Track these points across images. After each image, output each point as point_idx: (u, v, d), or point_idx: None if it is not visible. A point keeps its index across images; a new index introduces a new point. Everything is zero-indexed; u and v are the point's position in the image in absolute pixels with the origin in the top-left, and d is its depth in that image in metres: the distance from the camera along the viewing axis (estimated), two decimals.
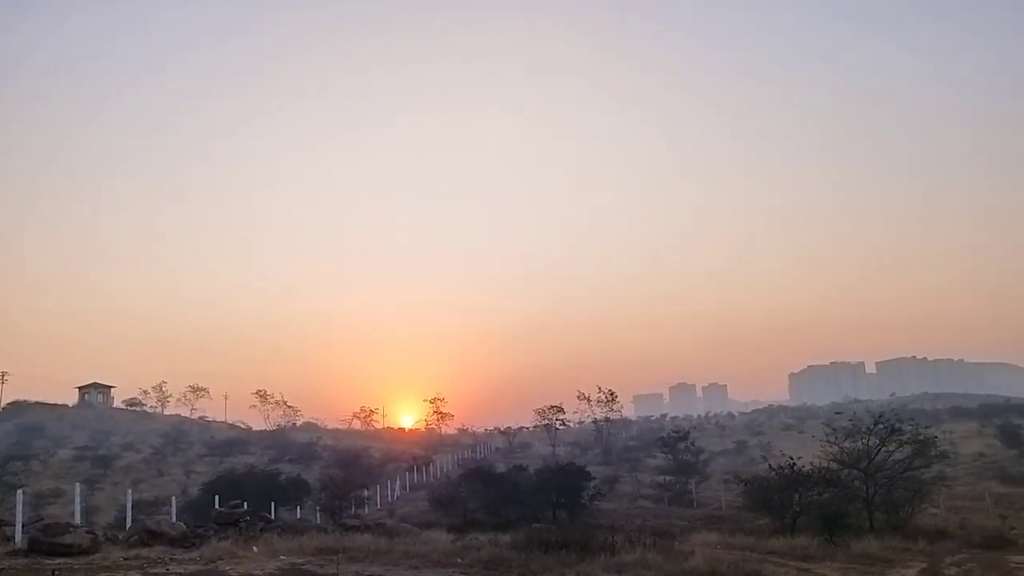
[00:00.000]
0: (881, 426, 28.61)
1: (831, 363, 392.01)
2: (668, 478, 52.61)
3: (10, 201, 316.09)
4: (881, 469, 28.35)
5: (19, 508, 18.00)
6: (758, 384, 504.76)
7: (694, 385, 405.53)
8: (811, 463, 28.68)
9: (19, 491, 19.49)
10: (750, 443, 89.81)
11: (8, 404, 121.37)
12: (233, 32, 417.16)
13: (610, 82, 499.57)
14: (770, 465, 29.05)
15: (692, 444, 62.45)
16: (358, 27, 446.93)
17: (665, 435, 67.35)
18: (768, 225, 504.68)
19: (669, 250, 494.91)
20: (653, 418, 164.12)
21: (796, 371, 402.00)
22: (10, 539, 17.38)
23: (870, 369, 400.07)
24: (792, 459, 27.91)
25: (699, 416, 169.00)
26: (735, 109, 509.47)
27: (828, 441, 29.90)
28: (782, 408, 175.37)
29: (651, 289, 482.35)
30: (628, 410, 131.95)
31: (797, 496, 26.75)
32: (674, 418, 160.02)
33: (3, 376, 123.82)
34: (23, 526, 17.63)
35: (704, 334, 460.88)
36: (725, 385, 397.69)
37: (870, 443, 28.65)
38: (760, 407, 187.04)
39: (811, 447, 33.59)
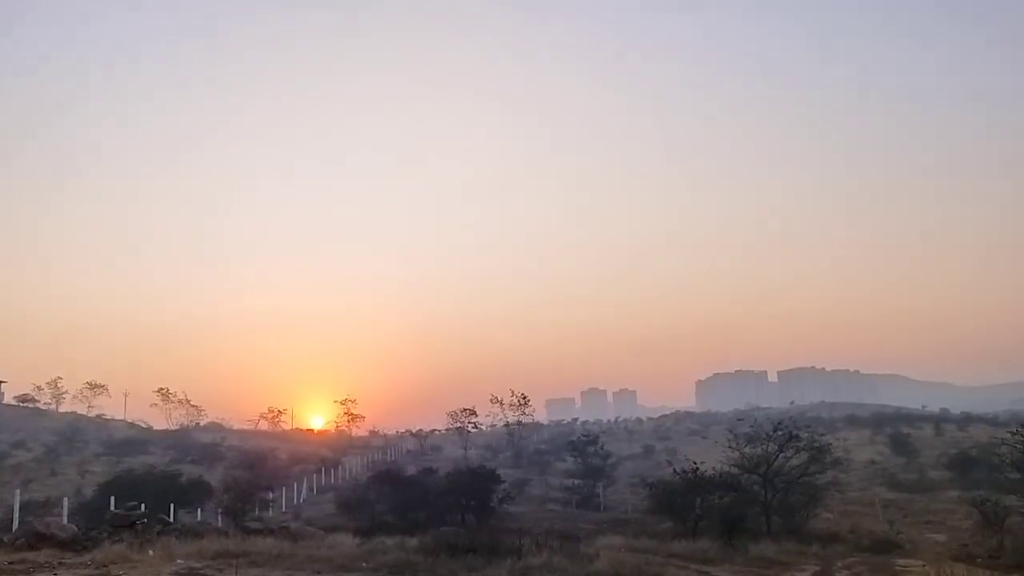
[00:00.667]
0: (780, 433, 29.71)
1: (736, 371, 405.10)
2: (577, 482, 53.24)
3: None
4: (779, 474, 29.41)
5: None
6: (666, 390, 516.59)
7: (605, 390, 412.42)
8: (714, 468, 29.54)
9: None
10: (657, 448, 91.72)
11: None
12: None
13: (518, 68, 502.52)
14: (675, 469, 29.74)
15: (601, 448, 63.40)
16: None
17: (575, 439, 68.16)
18: (678, 235, 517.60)
19: (584, 254, 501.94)
20: (565, 422, 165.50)
21: (703, 378, 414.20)
22: None
23: (772, 378, 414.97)
24: (696, 464, 28.69)
25: (609, 421, 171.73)
26: (660, 114, 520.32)
27: (731, 447, 30.81)
28: (688, 414, 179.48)
29: (565, 293, 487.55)
30: (540, 414, 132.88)
31: (699, 500, 27.48)
32: (585, 422, 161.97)
33: None
34: None
35: (615, 341, 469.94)
36: (635, 391, 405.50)
37: (769, 449, 29.70)
38: (667, 412, 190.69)
39: (715, 452, 34.59)
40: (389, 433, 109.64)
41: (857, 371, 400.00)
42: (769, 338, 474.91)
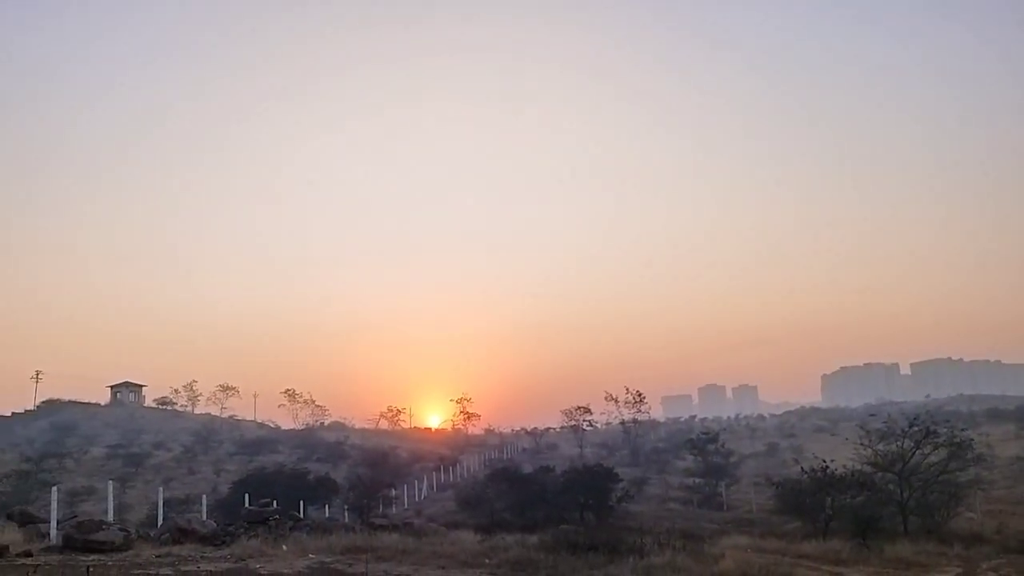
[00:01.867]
0: (916, 428, 28.17)
1: (864, 364, 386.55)
2: (697, 480, 52.22)
3: (40, 201, 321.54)
4: (916, 472, 27.87)
5: (54, 505, 18.27)
6: (789, 385, 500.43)
7: (724, 386, 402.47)
8: (844, 466, 28.31)
9: (54, 489, 19.78)
10: (781, 445, 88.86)
11: (42, 403, 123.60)
12: (240, 28, 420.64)
13: (637, 82, 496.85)
14: (802, 468, 28.74)
15: (722, 446, 61.89)
16: (374, 25, 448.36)
17: (694, 437, 66.79)
18: (799, 224, 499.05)
19: (700, 249, 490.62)
20: (682, 419, 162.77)
21: (828, 372, 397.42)
22: (45, 536, 17.65)
23: (904, 370, 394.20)
24: (825, 462, 27.59)
25: (729, 418, 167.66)
26: (757, 110, 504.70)
27: (861, 444, 29.49)
28: (814, 410, 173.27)
29: (681, 288, 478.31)
30: (656, 411, 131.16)
31: (830, 499, 26.43)
32: (703, 419, 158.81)
33: (37, 375, 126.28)
34: (58, 523, 17.90)
35: (735, 335, 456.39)
36: (755, 386, 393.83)
37: (905, 446, 28.22)
38: (791, 409, 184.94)
39: (844, 450, 33.12)
40: (504, 431, 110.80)
41: (999, 361, 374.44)
42: (900, 328, 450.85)
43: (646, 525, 25.64)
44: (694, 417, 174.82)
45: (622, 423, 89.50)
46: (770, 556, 18.04)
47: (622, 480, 40.19)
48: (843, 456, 31.03)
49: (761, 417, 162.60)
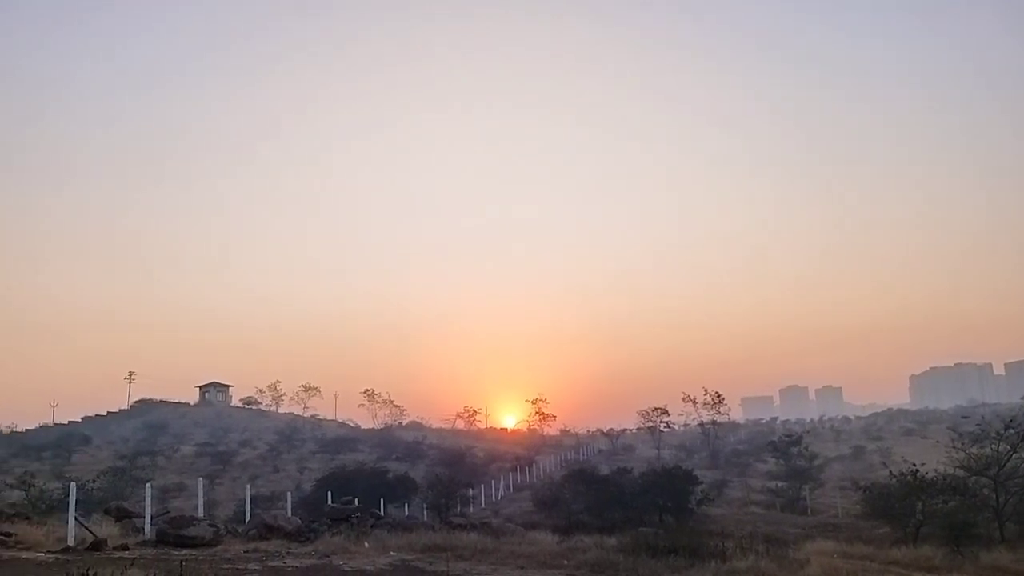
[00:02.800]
0: (1012, 431, 26.97)
1: (955, 364, 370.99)
2: (780, 484, 51.07)
3: (134, 210, 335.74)
4: (1013, 477, 26.69)
5: (148, 501, 19.04)
6: (876, 386, 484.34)
7: (807, 387, 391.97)
8: (935, 470, 27.31)
9: (147, 485, 20.61)
10: (868, 448, 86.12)
11: (135, 402, 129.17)
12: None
13: (718, 81, 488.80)
14: (890, 471, 27.88)
15: (805, 449, 60.33)
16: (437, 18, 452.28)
17: (776, 439, 65.33)
18: (887, 220, 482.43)
19: (781, 245, 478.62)
20: (763, 421, 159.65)
21: (917, 373, 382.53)
22: (140, 530, 18.41)
23: (998, 370, 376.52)
24: (915, 465, 26.65)
25: (812, 420, 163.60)
26: (837, 106, 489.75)
27: (953, 447, 28.44)
28: (902, 412, 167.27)
29: (761, 287, 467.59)
30: (736, 413, 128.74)
31: (920, 504, 25.53)
32: (785, 421, 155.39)
33: (131, 376, 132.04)
34: (151, 518, 18.65)
35: (819, 334, 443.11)
36: (840, 387, 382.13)
37: (1000, 449, 27.06)
38: (878, 410, 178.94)
39: (935, 453, 32.00)
40: (580, 432, 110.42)
41: None
42: (993, 327, 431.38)
43: (727, 529, 25.14)
44: (775, 419, 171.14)
45: (700, 425, 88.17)
46: (857, 562, 17.49)
47: (702, 483, 39.59)
48: (934, 459, 29.94)
49: (846, 419, 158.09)
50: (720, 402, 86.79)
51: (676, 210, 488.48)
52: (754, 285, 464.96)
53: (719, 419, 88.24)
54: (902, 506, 26.29)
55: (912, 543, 22.46)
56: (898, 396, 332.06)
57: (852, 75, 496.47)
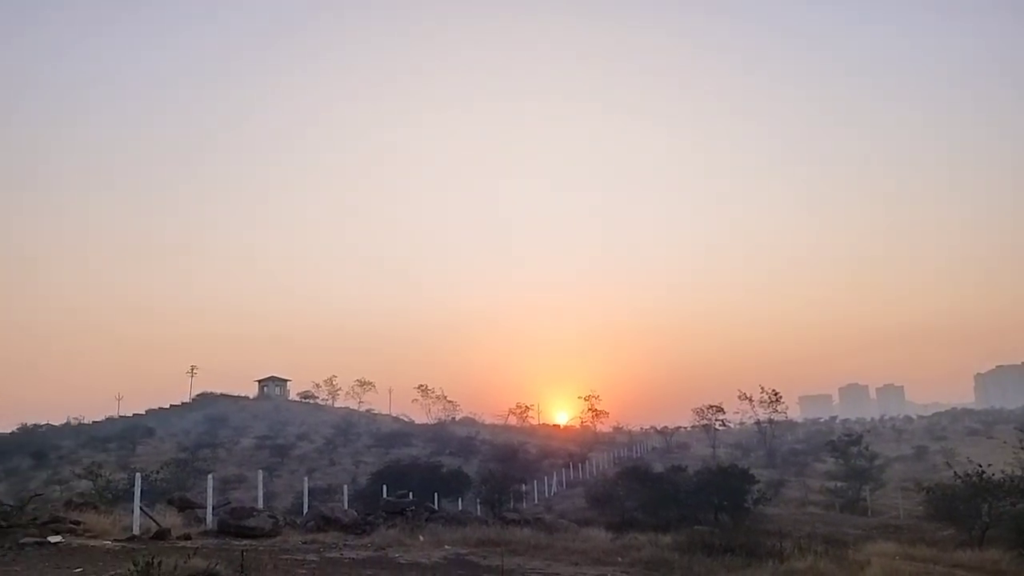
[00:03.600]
0: None
1: None
2: (839, 484, 50.12)
3: (193, 206, 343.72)
4: None
5: (209, 492, 19.50)
6: (939, 385, 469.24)
7: (867, 386, 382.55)
8: (1002, 471, 26.48)
9: (209, 476, 21.11)
10: (931, 449, 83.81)
11: (197, 395, 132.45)
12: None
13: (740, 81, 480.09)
14: (955, 472, 27.08)
15: (865, 448, 59.00)
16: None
17: (835, 438, 64.03)
18: (953, 215, 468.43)
19: (842, 240, 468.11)
20: (821, 420, 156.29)
21: (983, 371, 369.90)
22: (201, 520, 18.86)
23: None
24: (980, 466, 25.86)
25: (872, 419, 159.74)
26: (899, 104, 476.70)
27: (1022, 447, 27.53)
28: (967, 411, 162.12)
29: (821, 283, 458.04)
30: (794, 411, 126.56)
31: (987, 506, 24.78)
32: (845, 421, 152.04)
33: (192, 370, 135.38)
34: (213, 509, 19.09)
35: (880, 332, 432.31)
36: (902, 386, 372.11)
37: None
38: (942, 410, 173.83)
39: (1001, 453, 31.09)
40: (633, 429, 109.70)
41: None
42: None
43: (784, 529, 24.70)
44: (834, 418, 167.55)
45: (757, 423, 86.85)
46: (920, 564, 17.05)
47: (758, 482, 39.01)
48: (1001, 461, 29.13)
49: (908, 419, 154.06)
50: (777, 400, 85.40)
51: (734, 204, 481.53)
52: (814, 282, 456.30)
53: (776, 418, 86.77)
54: (967, 508, 25.58)
55: (978, 546, 21.80)
56: (963, 395, 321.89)
57: (901, 74, 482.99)
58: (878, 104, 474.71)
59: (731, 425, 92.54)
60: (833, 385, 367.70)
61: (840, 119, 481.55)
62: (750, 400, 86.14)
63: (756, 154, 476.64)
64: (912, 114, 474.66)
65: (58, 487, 48.65)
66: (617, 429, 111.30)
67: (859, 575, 14.45)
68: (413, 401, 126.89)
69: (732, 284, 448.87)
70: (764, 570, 14.27)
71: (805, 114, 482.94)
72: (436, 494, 34.36)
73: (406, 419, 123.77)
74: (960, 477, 26.27)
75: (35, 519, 15.11)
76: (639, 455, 78.88)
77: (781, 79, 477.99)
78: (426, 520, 21.76)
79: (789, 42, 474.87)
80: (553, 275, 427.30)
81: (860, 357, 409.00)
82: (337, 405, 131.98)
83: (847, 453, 57.33)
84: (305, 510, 24.96)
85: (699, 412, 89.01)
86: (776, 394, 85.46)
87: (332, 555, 13.87)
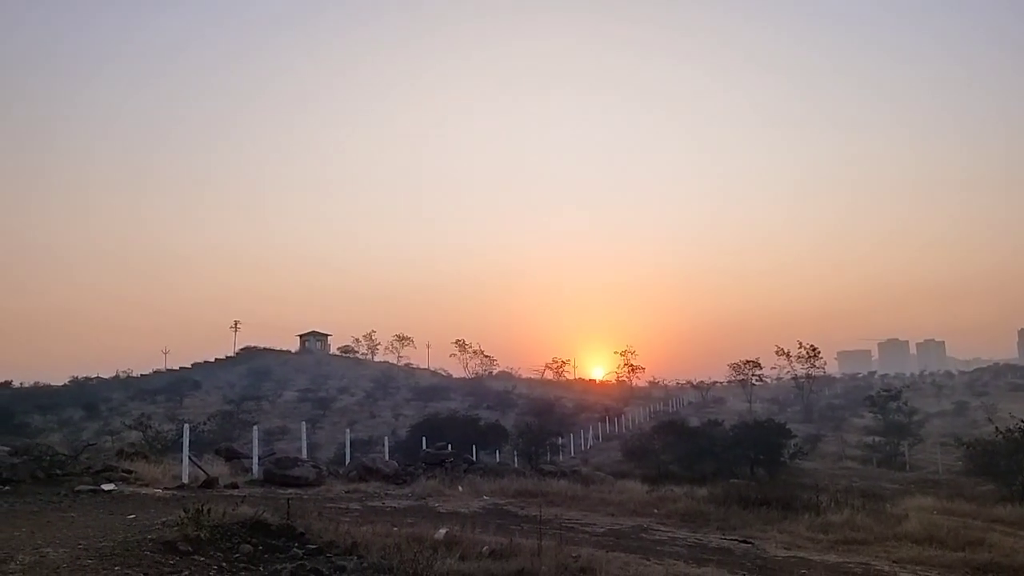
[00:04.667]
0: None
1: None
2: (877, 439, 49.89)
3: (228, 164, 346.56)
4: None
5: (255, 443, 20.05)
6: (982, 341, 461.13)
7: (907, 341, 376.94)
8: None
9: (254, 428, 21.68)
10: (971, 404, 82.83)
11: (241, 350, 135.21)
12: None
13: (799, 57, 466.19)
14: (996, 428, 26.81)
15: (904, 404, 58.60)
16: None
17: (874, 394, 63.62)
18: (991, 167, 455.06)
19: (878, 194, 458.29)
20: (860, 376, 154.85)
21: None
22: (247, 470, 19.42)
23: None
24: (1022, 421, 25.58)
25: (912, 374, 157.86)
26: (940, 54, 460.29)
27: None
28: (1010, 367, 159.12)
29: (858, 236, 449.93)
30: (831, 367, 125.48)
31: None
32: (884, 376, 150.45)
33: (236, 324, 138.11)
34: (258, 459, 19.64)
35: (920, 286, 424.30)
36: (943, 341, 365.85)
37: None
38: (983, 366, 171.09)
39: None
40: (669, 384, 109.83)
41: None
42: None
43: (821, 483, 24.75)
44: (873, 373, 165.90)
45: (794, 378, 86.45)
46: (959, 519, 16.99)
47: (795, 436, 39.05)
48: None
49: (949, 374, 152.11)
50: (815, 355, 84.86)
51: (769, 159, 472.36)
52: (851, 236, 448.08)
53: (814, 373, 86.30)
54: (1008, 463, 25.37)
55: (1018, 501, 21.61)
56: (1005, 351, 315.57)
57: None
58: (923, 55, 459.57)
59: (768, 380, 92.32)
60: (872, 340, 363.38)
61: (894, 74, 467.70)
62: (787, 355, 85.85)
63: (793, 111, 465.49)
64: (955, 68, 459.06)
65: (109, 437, 50.23)
66: (653, 384, 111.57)
67: (896, 528, 14.46)
68: (451, 356, 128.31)
69: (769, 239, 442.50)
70: (800, 523, 14.37)
71: (849, 67, 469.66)
72: (474, 446, 34.89)
73: (444, 373, 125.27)
74: (1001, 432, 26.03)
75: (89, 468, 15.65)
76: (675, 410, 79.10)
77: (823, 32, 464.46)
78: (464, 471, 22.17)
79: None
80: (589, 228, 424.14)
81: (900, 312, 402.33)
82: (376, 359, 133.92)
83: (886, 408, 56.96)
84: (347, 461, 25.55)
85: (735, 367, 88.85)
86: (814, 349, 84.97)
87: (374, 504, 14.24)
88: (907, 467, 42.73)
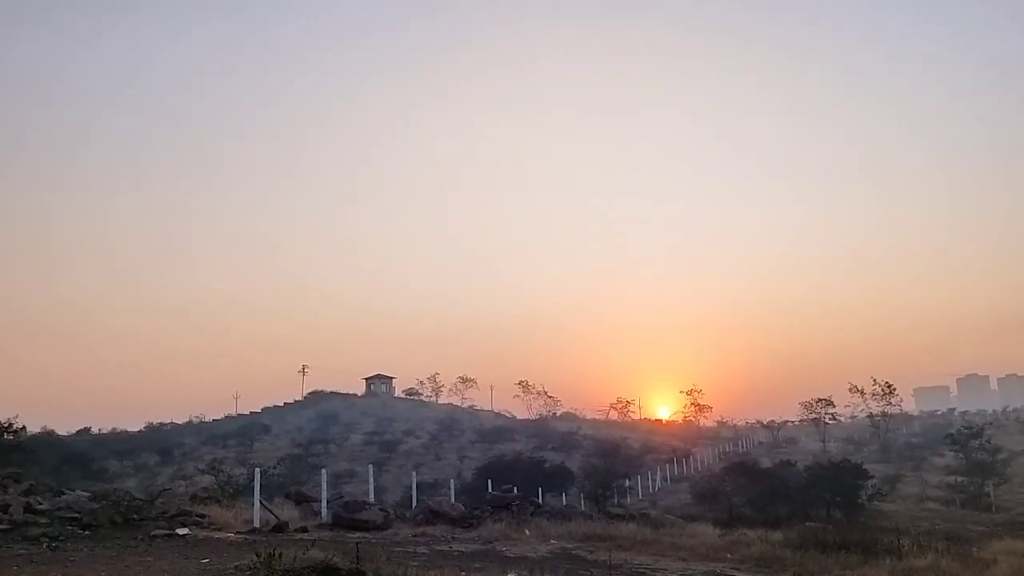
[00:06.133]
0: None
1: None
2: (959, 479, 47.78)
3: (294, 207, 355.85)
4: None
5: (323, 486, 20.31)
6: None
7: (987, 376, 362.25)
8: None
9: (323, 471, 21.97)
10: None
11: (309, 393, 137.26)
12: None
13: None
14: None
15: (987, 442, 56.04)
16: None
17: (954, 431, 61.07)
18: None
19: (955, 224, 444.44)
20: (939, 412, 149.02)
21: None
22: (317, 513, 19.66)
23: None
24: None
25: (994, 410, 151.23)
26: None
27: None
28: None
29: (935, 270, 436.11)
30: (908, 404, 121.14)
31: None
32: (964, 413, 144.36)
33: (304, 369, 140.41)
34: (327, 502, 19.86)
35: (1001, 319, 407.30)
36: None
37: None
38: None
39: None
40: (738, 424, 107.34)
41: None
42: None
43: (901, 525, 23.79)
44: (953, 410, 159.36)
45: (869, 416, 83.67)
46: None
47: (872, 476, 37.71)
48: None
49: None
50: (891, 392, 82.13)
51: (843, 193, 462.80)
52: (926, 269, 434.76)
53: (890, 410, 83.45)
54: None
55: None
56: None
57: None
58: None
59: (841, 419, 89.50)
60: (951, 376, 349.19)
61: (968, 111, 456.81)
62: (861, 393, 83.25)
63: (870, 145, 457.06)
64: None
65: (183, 482, 51.42)
66: (721, 423, 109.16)
67: (984, 573, 13.80)
68: (515, 397, 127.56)
69: (840, 273, 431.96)
70: (882, 568, 13.83)
71: (932, 100, 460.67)
72: (540, 489, 34.61)
73: (508, 415, 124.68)
74: None
75: (164, 512, 16.06)
76: (745, 450, 77.21)
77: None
78: (531, 514, 21.98)
79: None
80: (653, 267, 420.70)
81: (979, 346, 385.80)
82: (441, 401, 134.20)
83: (967, 446, 54.62)
84: (413, 504, 25.60)
85: (807, 405, 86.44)
86: (889, 386, 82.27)
87: (441, 548, 14.23)
88: (993, 508, 40.81)
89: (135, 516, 15.02)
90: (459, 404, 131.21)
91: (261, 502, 17.36)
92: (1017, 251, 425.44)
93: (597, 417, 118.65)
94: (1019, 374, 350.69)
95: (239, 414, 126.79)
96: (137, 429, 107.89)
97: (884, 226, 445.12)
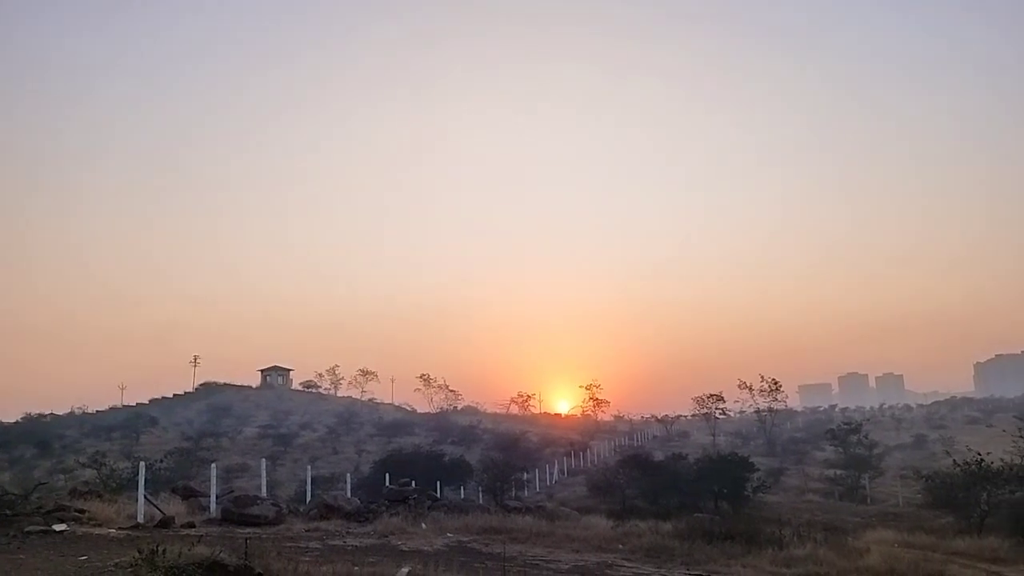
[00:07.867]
0: None
1: (1023, 351, 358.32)
2: (838, 472, 50.32)
3: (199, 199, 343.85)
4: None
5: (213, 481, 19.66)
6: (939, 374, 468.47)
7: (866, 375, 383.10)
8: (1001, 459, 26.65)
9: (213, 465, 21.24)
10: (930, 437, 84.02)
11: (200, 385, 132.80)
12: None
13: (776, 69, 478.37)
14: (954, 460, 27.26)
15: (865, 437, 59.24)
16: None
17: (835, 427, 64.27)
18: (952, 205, 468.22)
19: (840, 229, 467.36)
20: (821, 409, 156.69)
21: (982, 360, 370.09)
22: (205, 509, 19.01)
23: None
24: (979, 454, 26.02)
25: (872, 408, 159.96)
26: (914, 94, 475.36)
27: (1021, 436, 27.71)
28: (966, 400, 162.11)
29: (820, 272, 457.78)
30: (793, 400, 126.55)
31: (985, 494, 24.97)
32: (844, 409, 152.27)
33: (195, 359, 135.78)
34: (216, 497, 19.23)
35: (879, 321, 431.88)
36: (901, 375, 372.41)
37: None
38: (941, 399, 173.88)
39: (1001, 442, 31.18)
40: (634, 418, 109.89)
41: None
42: None
43: (784, 517, 24.88)
44: (834, 407, 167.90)
45: (757, 412, 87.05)
46: (919, 552, 17.20)
47: (758, 470, 39.24)
48: (1000, 449, 29.28)
49: (907, 407, 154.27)
50: (777, 389, 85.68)
51: (735, 194, 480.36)
52: (813, 271, 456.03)
53: (776, 406, 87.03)
54: (966, 496, 25.76)
55: (976, 534, 21.96)
56: (962, 384, 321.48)
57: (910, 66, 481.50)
58: (885, 97, 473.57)
59: (731, 414, 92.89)
60: (833, 374, 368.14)
61: (847, 110, 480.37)
62: (750, 389, 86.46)
63: (765, 144, 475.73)
64: (909, 109, 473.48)
65: (62, 476, 48.87)
66: (618, 418, 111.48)
67: (858, 562, 14.58)
68: (415, 391, 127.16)
69: (732, 274, 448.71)
70: (764, 557, 14.42)
71: (813, 104, 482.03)
72: (439, 482, 34.51)
73: (408, 408, 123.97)
74: (959, 465, 26.44)
75: (40, 508, 15.22)
76: (640, 443, 79.07)
77: (784, 75, 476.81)
78: (428, 508, 21.92)
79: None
80: (553, 264, 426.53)
81: (860, 346, 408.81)
82: (340, 395, 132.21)
83: (846, 441, 57.56)
84: (308, 499, 25.12)
85: (699, 401, 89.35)
86: (776, 383, 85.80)
87: (335, 543, 14.00)
88: (868, 500, 43.11)
89: (8, 512, 14.18)
90: (359, 397, 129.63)
91: (146, 497, 16.66)
92: (897, 258, 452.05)
93: (498, 411, 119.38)
94: (895, 373, 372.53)
95: (125, 405, 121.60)
96: (13, 420, 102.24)
97: (773, 230, 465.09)
